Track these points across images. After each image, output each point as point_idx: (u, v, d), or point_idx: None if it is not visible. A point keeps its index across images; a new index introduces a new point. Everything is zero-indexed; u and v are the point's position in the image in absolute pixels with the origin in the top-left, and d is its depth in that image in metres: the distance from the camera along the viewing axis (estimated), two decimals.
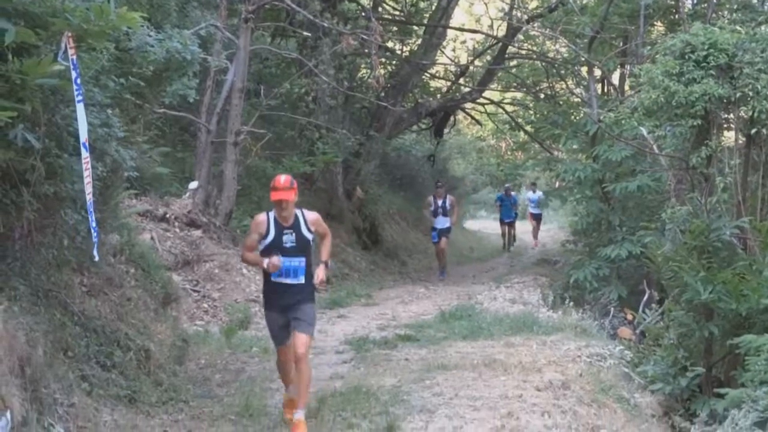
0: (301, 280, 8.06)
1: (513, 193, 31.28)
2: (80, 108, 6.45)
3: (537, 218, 31.49)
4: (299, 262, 8.04)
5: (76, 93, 6.38)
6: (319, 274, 8.12)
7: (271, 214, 8.13)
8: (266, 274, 8.17)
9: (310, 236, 8.16)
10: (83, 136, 6.52)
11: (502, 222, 30.01)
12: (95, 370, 7.85)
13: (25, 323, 6.75)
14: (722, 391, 9.40)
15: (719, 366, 10.75)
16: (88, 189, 6.67)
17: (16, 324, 6.55)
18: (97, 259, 7.22)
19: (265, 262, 8.03)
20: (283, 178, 8.02)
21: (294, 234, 8.05)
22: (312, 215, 8.30)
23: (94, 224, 6.87)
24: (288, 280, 8.04)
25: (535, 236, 31.13)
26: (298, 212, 8.16)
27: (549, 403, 8.47)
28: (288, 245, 8.03)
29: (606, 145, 17.10)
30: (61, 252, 7.67)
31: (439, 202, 21.05)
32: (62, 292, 7.94)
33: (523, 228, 32.26)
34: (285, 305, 8.07)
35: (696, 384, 10.46)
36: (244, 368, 10.44)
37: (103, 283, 8.98)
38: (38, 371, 6.53)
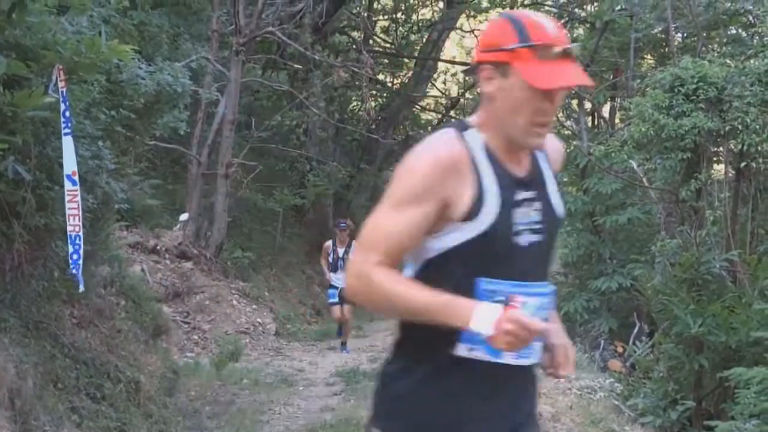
0: (536, 357, 2.67)
1: None
2: (67, 140, 6.45)
3: None
4: (545, 297, 2.62)
5: (63, 126, 6.39)
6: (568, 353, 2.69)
7: (478, 141, 2.66)
8: (442, 343, 2.76)
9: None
10: (68, 168, 6.52)
11: None
12: (85, 402, 7.82)
13: (15, 355, 6.73)
14: (712, 423, 9.38)
15: (709, 399, 10.75)
16: (73, 221, 6.66)
17: (5, 356, 6.53)
18: (82, 289, 7.20)
19: (507, 318, 2.41)
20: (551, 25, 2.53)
21: (541, 204, 2.65)
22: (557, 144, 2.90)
23: (75, 257, 6.81)
24: (521, 359, 2.61)
25: None
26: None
27: None
28: (526, 243, 2.60)
29: (596, 177, 17.13)
30: (51, 284, 7.66)
31: (341, 251, 14.00)
32: (52, 324, 7.91)
33: None
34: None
35: (686, 417, 10.44)
36: (235, 400, 10.39)
37: (93, 315, 8.95)
38: (28, 403, 6.51)
